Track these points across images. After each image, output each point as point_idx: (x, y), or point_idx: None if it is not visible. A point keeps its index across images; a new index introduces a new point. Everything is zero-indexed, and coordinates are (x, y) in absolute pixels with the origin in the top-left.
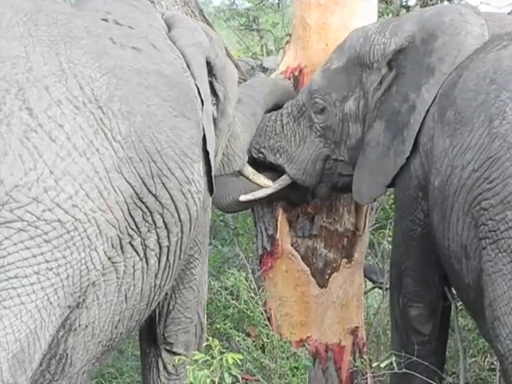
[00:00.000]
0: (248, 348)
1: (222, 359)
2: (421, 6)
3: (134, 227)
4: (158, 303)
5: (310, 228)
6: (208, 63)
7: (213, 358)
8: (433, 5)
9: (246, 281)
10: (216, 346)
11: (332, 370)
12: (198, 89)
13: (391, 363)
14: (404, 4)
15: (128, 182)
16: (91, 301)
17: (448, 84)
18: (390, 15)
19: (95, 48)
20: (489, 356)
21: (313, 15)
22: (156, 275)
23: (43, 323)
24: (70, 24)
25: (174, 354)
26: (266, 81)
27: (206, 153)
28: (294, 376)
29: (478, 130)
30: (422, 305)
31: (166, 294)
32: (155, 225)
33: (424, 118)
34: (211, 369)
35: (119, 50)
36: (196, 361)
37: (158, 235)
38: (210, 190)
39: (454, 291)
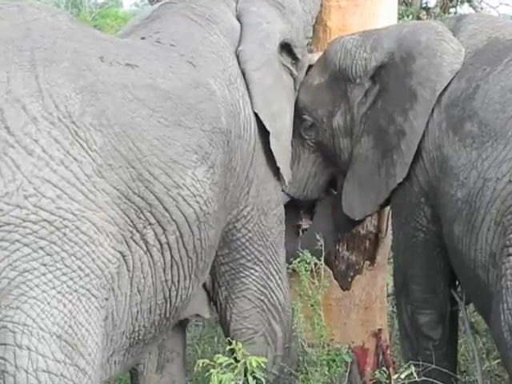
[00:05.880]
0: None
1: (245, 362)
2: (441, 8)
3: (131, 223)
4: (219, 315)
5: None
6: (287, 44)
7: (236, 361)
8: (453, 7)
9: None
10: (239, 350)
11: (355, 372)
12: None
13: (411, 373)
14: (424, 6)
15: (112, 186)
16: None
17: (458, 95)
18: (410, 17)
19: (74, 69)
20: None
21: (333, 18)
22: (164, 270)
23: (78, 308)
24: (53, 47)
25: None
26: None
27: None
28: (329, 368)
29: None
30: (431, 311)
31: (221, 304)
32: (149, 222)
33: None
34: (235, 372)
35: (106, 67)
36: (220, 364)
37: (154, 231)
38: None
39: (459, 293)
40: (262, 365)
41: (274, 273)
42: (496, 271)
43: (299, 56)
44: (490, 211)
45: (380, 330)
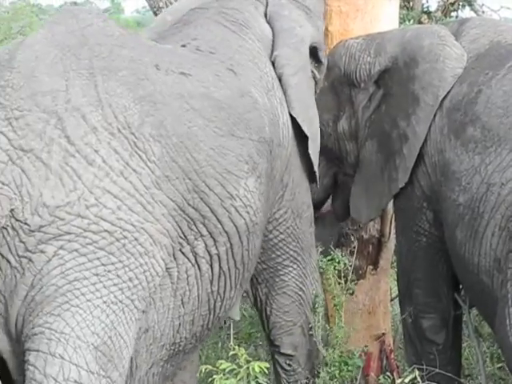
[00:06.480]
0: None
1: (248, 368)
2: (442, 12)
3: (182, 235)
4: (258, 309)
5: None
6: (315, 48)
7: (239, 366)
8: (454, 10)
9: None
10: (242, 355)
11: (360, 377)
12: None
13: (415, 377)
14: (425, 10)
15: (169, 197)
16: (148, 305)
17: (460, 100)
18: (412, 21)
19: (133, 78)
20: None
21: (334, 22)
22: (211, 282)
23: (120, 319)
24: (111, 56)
25: (283, 354)
26: None
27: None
28: (340, 371)
29: None
30: (434, 315)
31: (261, 300)
32: (200, 233)
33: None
34: (238, 378)
35: (162, 75)
36: (223, 370)
37: (205, 243)
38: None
39: (463, 297)
40: (265, 370)
41: (308, 273)
42: (501, 276)
43: (323, 59)
44: (495, 216)
45: (384, 334)
